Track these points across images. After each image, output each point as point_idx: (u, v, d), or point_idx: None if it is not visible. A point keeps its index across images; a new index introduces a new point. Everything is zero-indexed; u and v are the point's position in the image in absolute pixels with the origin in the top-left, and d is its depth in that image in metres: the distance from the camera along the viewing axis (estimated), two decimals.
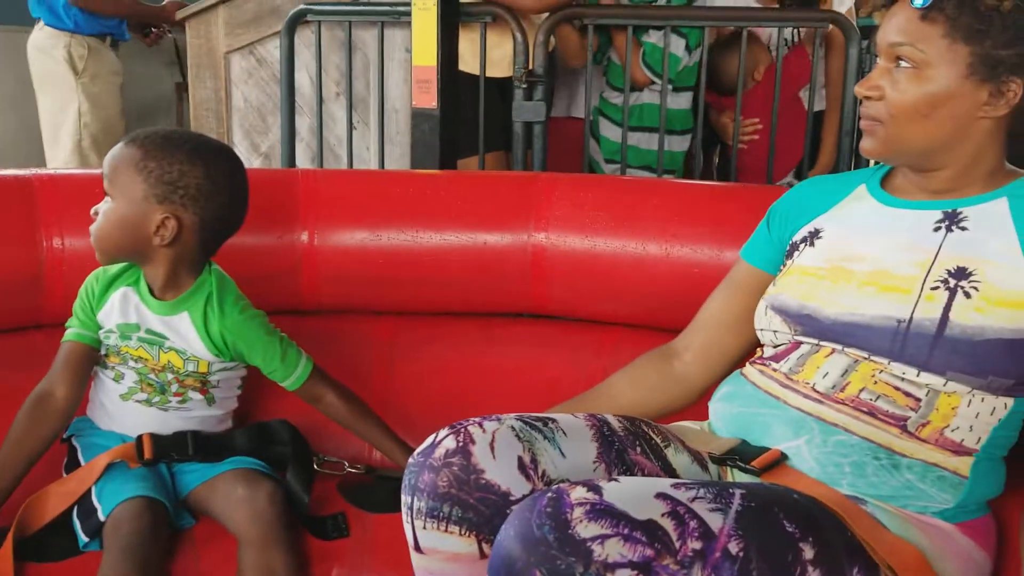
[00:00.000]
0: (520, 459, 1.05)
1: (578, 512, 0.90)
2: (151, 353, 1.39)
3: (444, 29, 2.26)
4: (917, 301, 1.08)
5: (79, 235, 1.53)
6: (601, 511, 0.90)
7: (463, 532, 1.03)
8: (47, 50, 2.88)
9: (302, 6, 2.57)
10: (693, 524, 0.92)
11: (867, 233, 1.18)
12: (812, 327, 1.16)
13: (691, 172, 2.65)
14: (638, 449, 1.15)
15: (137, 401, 1.40)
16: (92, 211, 1.36)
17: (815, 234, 1.23)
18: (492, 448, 1.05)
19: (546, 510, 0.91)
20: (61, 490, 1.33)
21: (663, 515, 0.92)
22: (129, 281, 1.40)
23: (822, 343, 1.15)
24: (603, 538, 0.88)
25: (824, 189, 1.29)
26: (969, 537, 1.10)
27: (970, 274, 1.07)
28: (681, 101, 2.61)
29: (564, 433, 1.11)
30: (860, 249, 1.17)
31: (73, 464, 1.40)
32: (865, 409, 1.09)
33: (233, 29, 2.85)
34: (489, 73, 2.43)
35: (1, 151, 3.79)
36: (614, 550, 0.88)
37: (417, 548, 1.07)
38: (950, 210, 1.13)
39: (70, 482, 1.35)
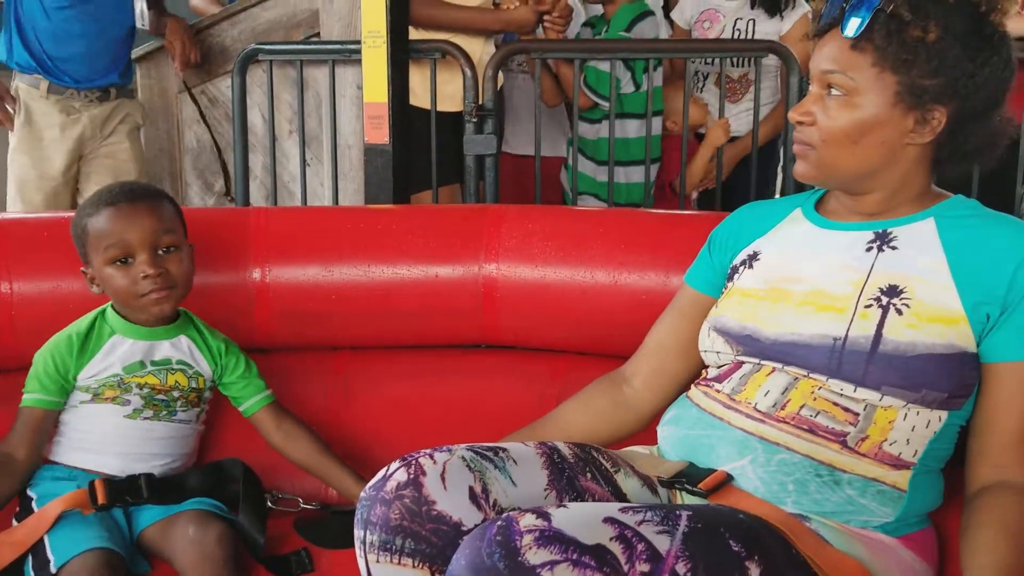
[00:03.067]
0: (471, 489, 1.07)
1: (527, 539, 0.91)
2: (159, 378, 1.46)
3: (394, 66, 2.29)
4: (852, 319, 1.11)
5: (27, 279, 1.53)
6: (550, 537, 0.92)
7: (416, 564, 1.04)
8: None
9: (253, 45, 2.59)
10: (641, 547, 0.94)
11: (803, 254, 1.22)
12: (753, 347, 1.19)
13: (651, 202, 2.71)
14: (588, 475, 1.17)
15: (145, 418, 1.45)
16: (153, 268, 1.41)
17: (753, 256, 1.27)
18: (443, 479, 1.06)
19: (496, 538, 0.92)
20: (10, 540, 1.32)
21: (611, 539, 0.94)
22: (107, 333, 1.45)
23: (763, 362, 1.18)
24: (552, 564, 0.90)
25: (761, 213, 1.33)
26: (911, 550, 1.13)
27: (901, 291, 1.11)
28: (635, 130, 2.66)
29: (515, 462, 1.13)
30: (797, 270, 1.21)
31: (26, 513, 1.38)
32: (806, 426, 1.12)
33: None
34: (441, 108, 2.47)
35: None
36: (564, 575, 0.89)
37: None
38: (881, 230, 1.17)
39: (19, 531, 1.33)
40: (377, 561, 1.05)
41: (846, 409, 1.11)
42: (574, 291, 1.58)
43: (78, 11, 2.64)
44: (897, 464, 1.11)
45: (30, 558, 1.30)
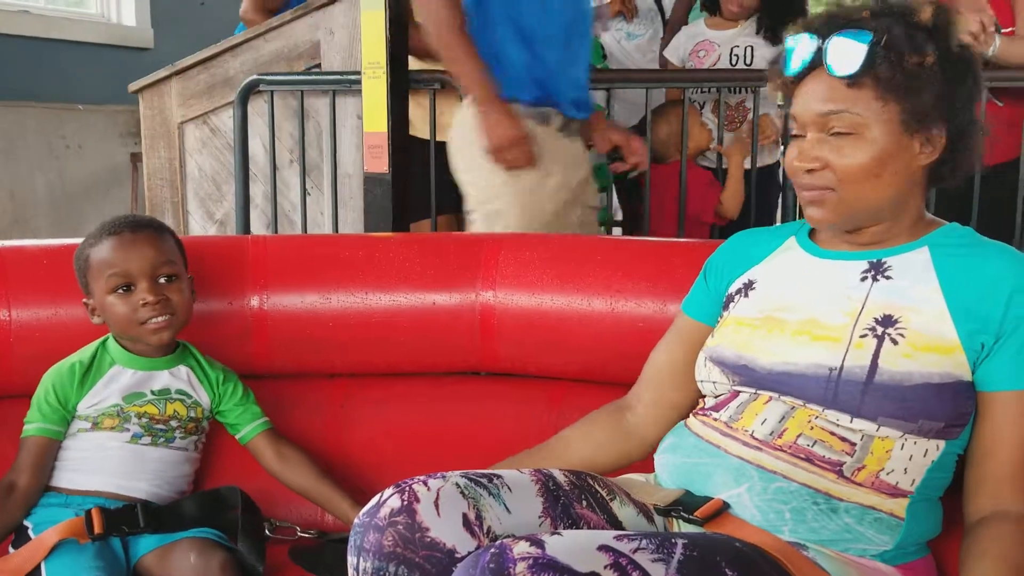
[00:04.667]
0: (465, 516, 1.06)
1: (521, 567, 0.91)
2: (158, 407, 1.47)
3: (394, 96, 2.31)
4: (847, 349, 1.11)
5: (26, 307, 1.53)
6: (544, 565, 0.91)
7: None
8: None
9: (255, 76, 2.62)
10: (636, 575, 0.93)
11: (798, 284, 1.22)
12: (749, 377, 1.19)
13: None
14: (584, 503, 1.16)
15: (143, 444, 1.45)
16: (153, 295, 1.42)
17: (749, 285, 1.27)
18: (437, 506, 1.05)
19: (489, 566, 0.92)
20: (6, 568, 1.31)
21: (606, 567, 0.93)
22: (107, 363, 1.46)
23: (759, 392, 1.18)
24: None
25: (756, 241, 1.33)
26: None
27: (896, 321, 1.11)
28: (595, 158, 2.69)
29: (509, 489, 1.12)
30: (791, 299, 1.20)
31: (22, 541, 1.38)
32: (803, 455, 1.12)
33: (186, 100, 2.89)
34: (440, 138, 2.48)
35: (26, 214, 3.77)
36: None
37: None
38: (875, 260, 1.17)
39: (15, 559, 1.33)
40: None
41: (843, 439, 1.11)
42: (571, 318, 1.58)
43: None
44: (894, 493, 1.10)
45: None
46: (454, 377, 1.72)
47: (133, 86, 2.96)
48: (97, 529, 1.34)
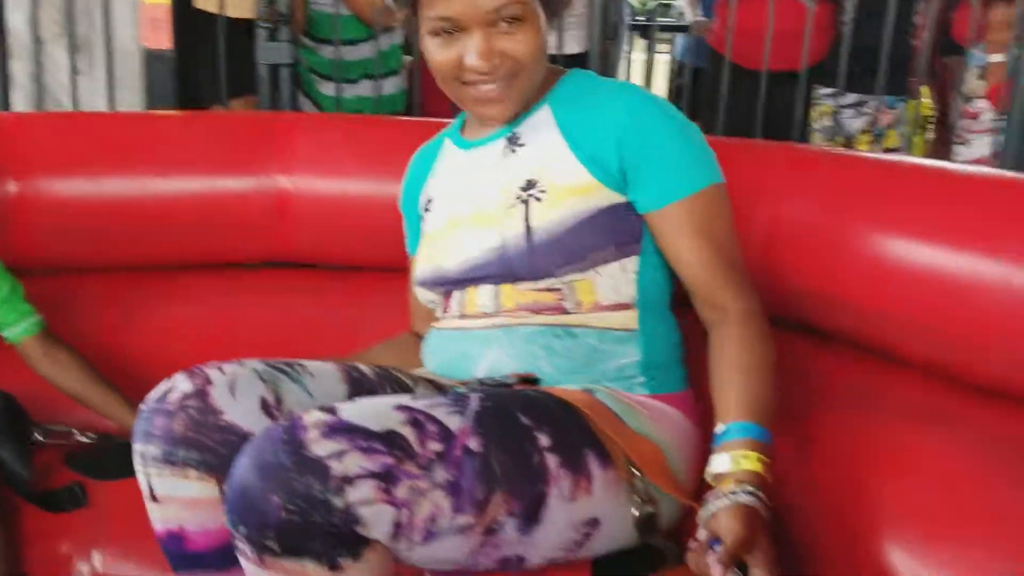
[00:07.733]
0: (263, 399, 1.05)
1: (313, 433, 0.90)
2: None
3: None
4: (502, 223, 1.16)
5: None
6: (337, 429, 0.90)
7: (202, 475, 1.02)
8: None
9: None
10: (432, 428, 0.95)
11: (461, 179, 1.25)
12: (447, 282, 1.23)
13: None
14: (388, 390, 1.16)
15: None
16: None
17: (429, 201, 1.30)
18: (232, 389, 1.04)
19: (282, 437, 0.90)
20: None
21: (402, 423, 0.94)
22: None
23: (464, 289, 1.22)
24: (340, 454, 0.89)
25: (422, 158, 1.35)
26: (678, 408, 1.17)
27: (536, 183, 1.16)
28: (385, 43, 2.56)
29: (312, 375, 1.11)
30: (459, 196, 1.24)
31: None
32: (528, 310, 1.16)
33: None
34: (232, 14, 2.29)
35: None
36: (352, 463, 0.89)
37: (153, 497, 1.03)
38: (510, 134, 1.21)
39: None
40: (160, 475, 1.02)
41: (549, 291, 1.15)
42: (376, 204, 1.52)
43: None
44: (617, 307, 1.15)
45: None
46: (248, 269, 1.64)
47: None
48: None
